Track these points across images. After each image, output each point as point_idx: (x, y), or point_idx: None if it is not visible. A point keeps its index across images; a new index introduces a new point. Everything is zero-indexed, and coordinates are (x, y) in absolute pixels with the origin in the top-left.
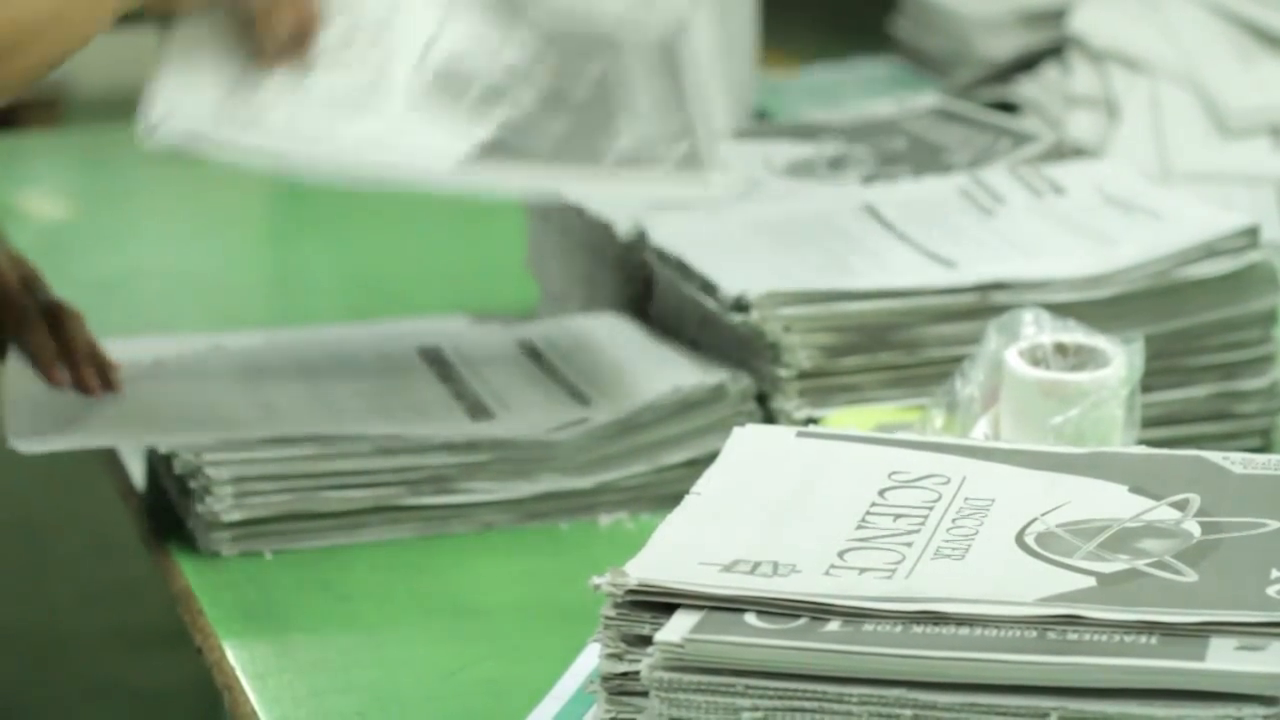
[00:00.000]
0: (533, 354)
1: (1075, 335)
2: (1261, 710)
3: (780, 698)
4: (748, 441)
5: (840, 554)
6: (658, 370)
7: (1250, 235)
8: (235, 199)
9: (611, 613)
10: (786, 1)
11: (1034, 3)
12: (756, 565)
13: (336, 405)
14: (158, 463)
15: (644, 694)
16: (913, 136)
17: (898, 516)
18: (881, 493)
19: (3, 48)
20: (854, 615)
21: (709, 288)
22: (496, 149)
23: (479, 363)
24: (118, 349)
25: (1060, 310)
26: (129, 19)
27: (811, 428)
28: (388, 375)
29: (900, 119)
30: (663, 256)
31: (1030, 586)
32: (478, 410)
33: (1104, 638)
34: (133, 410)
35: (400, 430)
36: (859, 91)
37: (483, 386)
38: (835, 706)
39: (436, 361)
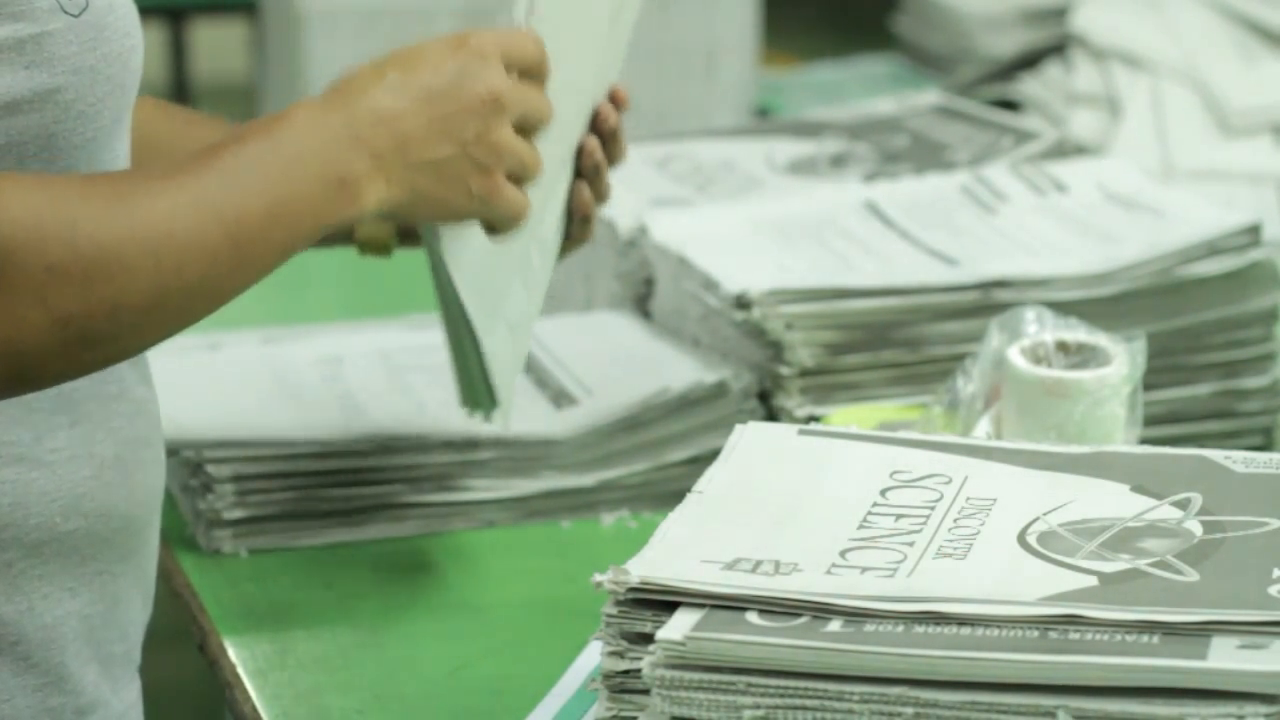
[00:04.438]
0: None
1: (1077, 333)
2: (1263, 709)
3: (782, 695)
4: (750, 439)
5: (842, 553)
6: (659, 368)
7: (1252, 233)
8: None
9: (613, 610)
10: None
11: (1036, 0)
12: (758, 564)
13: (417, 396)
14: None
15: (645, 692)
16: (914, 134)
17: (899, 516)
18: (883, 492)
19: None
20: (855, 615)
21: (711, 285)
22: None
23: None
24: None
25: (1062, 308)
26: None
27: (813, 426)
28: None
29: (902, 116)
30: (664, 254)
31: (1032, 586)
32: (562, 398)
33: (1106, 637)
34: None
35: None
36: (861, 89)
37: (565, 375)
38: (836, 705)
39: None
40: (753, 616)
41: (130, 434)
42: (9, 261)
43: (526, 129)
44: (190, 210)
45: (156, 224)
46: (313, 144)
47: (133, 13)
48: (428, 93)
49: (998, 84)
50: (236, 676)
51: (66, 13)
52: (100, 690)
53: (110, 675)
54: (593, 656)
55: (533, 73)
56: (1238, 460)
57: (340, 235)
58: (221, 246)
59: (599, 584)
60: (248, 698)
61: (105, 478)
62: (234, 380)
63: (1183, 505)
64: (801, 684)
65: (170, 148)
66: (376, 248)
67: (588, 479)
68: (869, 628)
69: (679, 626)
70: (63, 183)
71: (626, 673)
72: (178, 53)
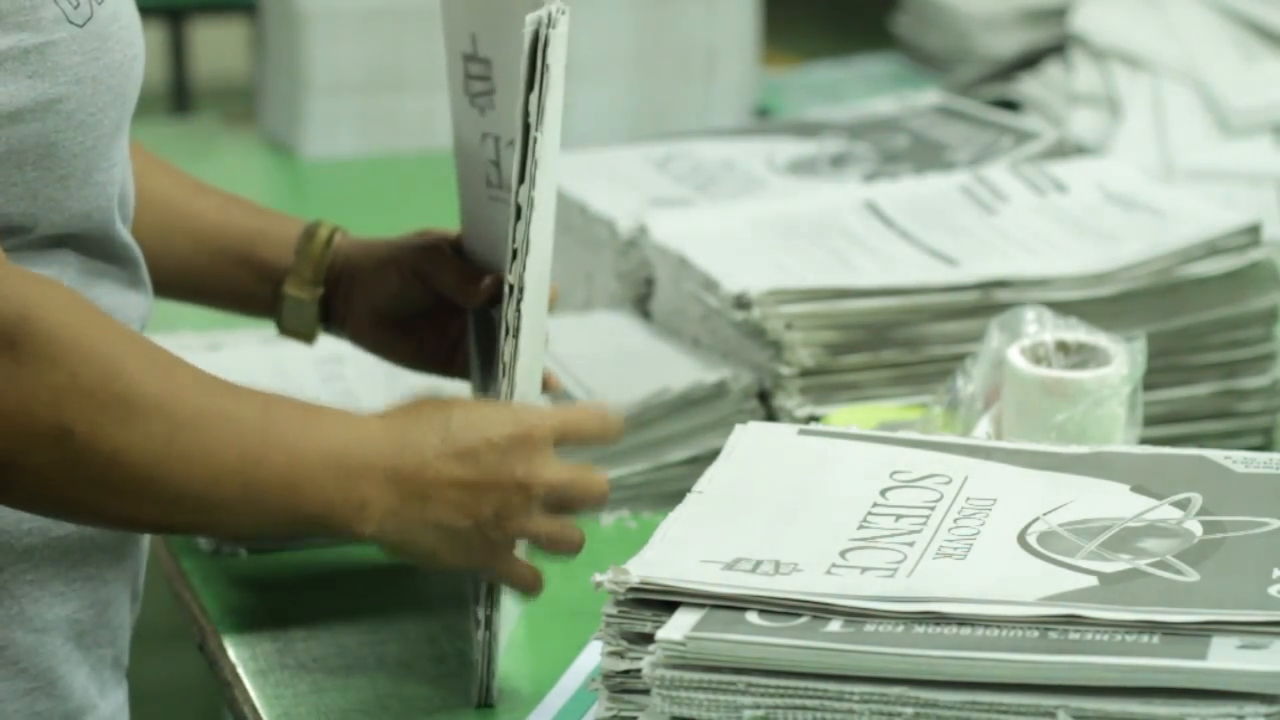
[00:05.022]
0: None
1: (1077, 333)
2: (1263, 709)
3: (782, 695)
4: (749, 439)
5: (842, 553)
6: (659, 368)
7: (1252, 233)
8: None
9: (613, 610)
10: None
11: (1036, 0)
12: (758, 564)
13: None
14: None
15: (645, 692)
16: (914, 134)
17: (899, 516)
18: (883, 492)
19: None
20: (855, 615)
21: (711, 285)
22: None
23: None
24: None
25: (1062, 308)
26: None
27: (813, 426)
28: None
29: (902, 116)
30: (664, 254)
31: (1032, 586)
32: (561, 398)
33: (1106, 637)
34: None
35: None
36: (861, 89)
37: (565, 375)
38: (836, 705)
39: None
40: (753, 616)
41: None
42: (39, 349)
43: (565, 508)
44: (223, 419)
45: (190, 406)
46: (360, 454)
47: (135, 22)
48: (469, 459)
49: (998, 84)
50: (236, 676)
51: (71, 23)
52: (89, 694)
53: (99, 678)
54: (593, 656)
55: (593, 443)
56: (1238, 460)
57: (264, 309)
58: (229, 469)
59: (599, 584)
60: (248, 698)
61: None
62: (234, 380)
63: (1183, 505)
64: (801, 684)
65: (177, 211)
66: (301, 336)
67: None
68: (869, 628)
69: (679, 626)
70: (123, 326)
71: (626, 673)
72: (178, 53)
